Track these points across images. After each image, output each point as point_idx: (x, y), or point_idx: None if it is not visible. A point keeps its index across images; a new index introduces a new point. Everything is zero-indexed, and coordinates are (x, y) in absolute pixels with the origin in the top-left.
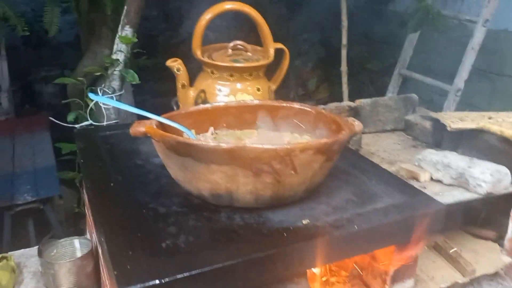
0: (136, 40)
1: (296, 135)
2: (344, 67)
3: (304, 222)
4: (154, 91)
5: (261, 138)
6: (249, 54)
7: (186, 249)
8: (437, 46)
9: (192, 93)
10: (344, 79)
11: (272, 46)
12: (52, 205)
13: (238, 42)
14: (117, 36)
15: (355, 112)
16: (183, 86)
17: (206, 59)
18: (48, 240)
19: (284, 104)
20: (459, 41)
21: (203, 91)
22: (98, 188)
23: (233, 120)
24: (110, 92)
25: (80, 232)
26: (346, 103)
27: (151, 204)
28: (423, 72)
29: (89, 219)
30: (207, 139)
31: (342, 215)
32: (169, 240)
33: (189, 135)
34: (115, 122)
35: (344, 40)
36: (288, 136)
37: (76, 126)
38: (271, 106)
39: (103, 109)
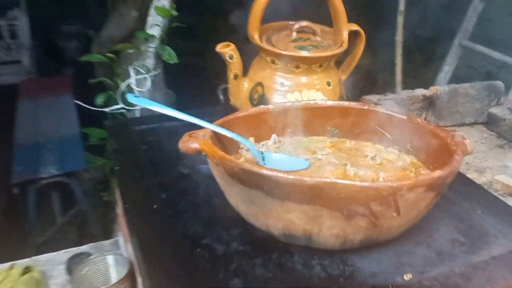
0: (176, 13)
1: (379, 147)
2: (399, 37)
3: (406, 277)
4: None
5: (337, 152)
6: (318, 38)
7: None
8: (503, 15)
9: (246, 85)
10: (399, 51)
11: (346, 28)
12: (78, 179)
13: (304, 23)
14: (152, 7)
15: (429, 102)
16: (236, 76)
17: (267, 46)
18: (78, 255)
19: (366, 107)
20: None
21: (260, 84)
22: (139, 211)
23: (300, 124)
24: (144, 72)
25: (107, 221)
26: (420, 91)
27: (205, 238)
28: (485, 43)
29: (125, 228)
30: (269, 149)
31: (452, 267)
32: None
33: (256, 155)
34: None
35: (402, 6)
36: (369, 148)
37: (105, 109)
38: (348, 108)
39: (135, 91)
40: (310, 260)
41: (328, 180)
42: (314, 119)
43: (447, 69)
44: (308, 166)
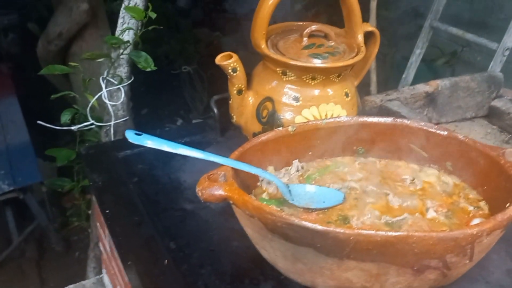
0: (154, 14)
1: (414, 167)
2: (373, 22)
3: None
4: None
5: (369, 177)
6: (332, 43)
7: None
8: None
9: (252, 100)
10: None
11: (361, 30)
12: (33, 193)
13: (315, 26)
14: (123, 7)
15: (431, 99)
16: (240, 91)
17: (278, 57)
18: None
19: (397, 122)
20: None
21: (269, 99)
22: (146, 270)
23: (323, 145)
24: (116, 82)
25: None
26: (422, 88)
27: None
28: (452, 22)
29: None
30: (292, 178)
31: None
32: None
33: (284, 193)
34: (124, 120)
35: None
36: (403, 168)
37: (72, 127)
38: (376, 124)
39: (108, 105)
40: None
41: (402, 234)
42: (338, 139)
43: (418, 52)
44: (343, 199)
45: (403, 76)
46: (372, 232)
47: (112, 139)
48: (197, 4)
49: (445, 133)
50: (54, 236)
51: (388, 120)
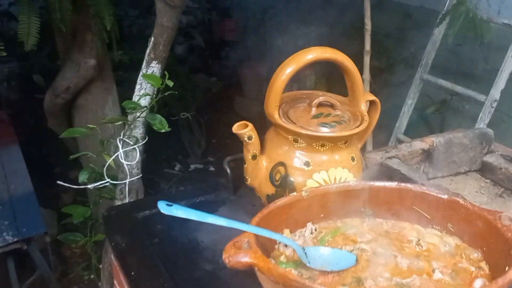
0: (171, 83)
1: (418, 228)
2: (367, 76)
3: None
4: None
5: (378, 238)
6: (338, 112)
7: None
8: (452, 46)
9: (265, 164)
10: (367, 89)
11: (363, 99)
12: (37, 244)
13: (322, 97)
14: (141, 74)
15: (427, 155)
16: (255, 156)
17: (291, 126)
18: None
19: (401, 186)
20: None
21: (282, 164)
22: None
23: (334, 208)
24: (132, 143)
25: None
26: (419, 145)
27: None
28: (440, 74)
29: None
30: (307, 240)
31: None
32: None
33: (302, 257)
34: (137, 178)
35: (368, 46)
36: (408, 230)
37: (89, 186)
38: (382, 188)
39: (125, 165)
40: None
41: None
42: (347, 202)
43: (410, 103)
44: (356, 261)
45: (396, 125)
46: None
47: (127, 195)
48: (194, 51)
49: (446, 196)
50: (55, 287)
51: (393, 184)
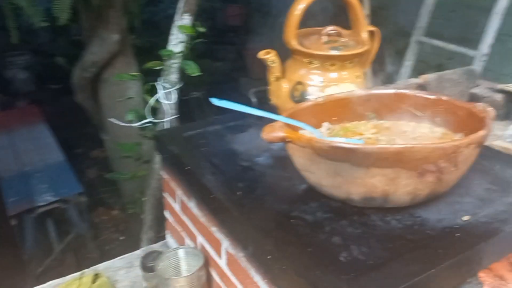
0: (204, 29)
1: (413, 124)
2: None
3: (464, 218)
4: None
5: (380, 132)
6: (344, 39)
7: (369, 261)
8: (445, 12)
9: (285, 85)
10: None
11: (365, 29)
12: (75, 204)
13: (330, 27)
14: (174, 25)
15: (422, 89)
16: (277, 78)
17: (307, 50)
18: (148, 251)
19: (398, 92)
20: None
21: (300, 83)
22: (225, 198)
23: (343, 113)
24: (170, 86)
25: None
26: (414, 80)
27: (293, 212)
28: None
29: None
30: (324, 134)
31: (495, 207)
32: (343, 252)
33: (317, 135)
34: (176, 117)
35: (367, 10)
36: (405, 126)
37: (134, 125)
38: (383, 94)
39: (163, 105)
40: (384, 217)
41: (407, 145)
42: (355, 107)
43: (408, 64)
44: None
45: None
46: (388, 145)
47: None
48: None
49: (434, 96)
50: (91, 245)
51: (391, 90)
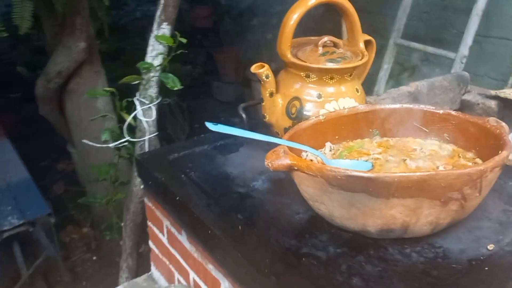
0: (185, 40)
1: (419, 141)
2: None
3: (490, 247)
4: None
5: (387, 150)
6: (341, 50)
7: None
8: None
9: (281, 101)
10: None
11: (361, 39)
12: (42, 225)
13: (326, 37)
14: (152, 36)
15: (414, 97)
16: (272, 94)
17: (303, 63)
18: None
19: (403, 107)
20: (441, 5)
21: (297, 98)
22: (224, 234)
23: (345, 131)
24: (147, 102)
25: None
26: (405, 88)
27: (303, 248)
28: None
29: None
30: (327, 156)
31: None
32: None
33: (324, 161)
34: (155, 135)
35: None
36: (412, 142)
37: (110, 145)
38: (387, 110)
39: (144, 122)
40: (403, 249)
41: (431, 172)
42: (357, 124)
43: (386, 67)
44: (372, 166)
45: (375, 88)
46: (411, 173)
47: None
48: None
49: (441, 111)
50: (61, 268)
51: (396, 106)
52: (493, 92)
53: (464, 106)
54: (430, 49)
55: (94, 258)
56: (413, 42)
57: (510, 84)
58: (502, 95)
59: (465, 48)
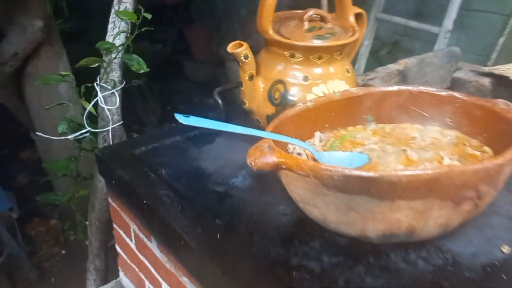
0: (149, 15)
1: (418, 127)
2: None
3: (505, 250)
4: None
5: (383, 139)
6: (330, 25)
7: None
8: None
9: (262, 85)
10: None
11: (351, 12)
12: (3, 221)
13: (312, 11)
14: (113, 12)
15: (403, 76)
16: (252, 77)
17: (287, 40)
18: None
19: (398, 89)
20: None
21: (280, 81)
22: (199, 245)
23: (336, 117)
24: (110, 87)
25: None
26: (394, 67)
27: (293, 258)
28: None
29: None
30: (317, 148)
31: None
32: None
33: (315, 155)
34: (119, 125)
35: None
36: (409, 129)
37: (69, 137)
38: (381, 93)
39: (106, 110)
40: (407, 255)
41: (445, 169)
42: (350, 110)
43: (367, 43)
44: (369, 159)
45: (356, 66)
46: (421, 171)
47: (111, 143)
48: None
49: (444, 93)
50: (26, 265)
51: (393, 88)
52: (486, 69)
53: (456, 84)
54: (412, 23)
55: (63, 252)
56: (395, 16)
57: (494, 59)
58: (497, 72)
59: (449, 22)
